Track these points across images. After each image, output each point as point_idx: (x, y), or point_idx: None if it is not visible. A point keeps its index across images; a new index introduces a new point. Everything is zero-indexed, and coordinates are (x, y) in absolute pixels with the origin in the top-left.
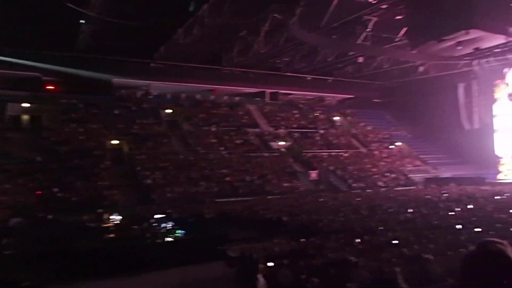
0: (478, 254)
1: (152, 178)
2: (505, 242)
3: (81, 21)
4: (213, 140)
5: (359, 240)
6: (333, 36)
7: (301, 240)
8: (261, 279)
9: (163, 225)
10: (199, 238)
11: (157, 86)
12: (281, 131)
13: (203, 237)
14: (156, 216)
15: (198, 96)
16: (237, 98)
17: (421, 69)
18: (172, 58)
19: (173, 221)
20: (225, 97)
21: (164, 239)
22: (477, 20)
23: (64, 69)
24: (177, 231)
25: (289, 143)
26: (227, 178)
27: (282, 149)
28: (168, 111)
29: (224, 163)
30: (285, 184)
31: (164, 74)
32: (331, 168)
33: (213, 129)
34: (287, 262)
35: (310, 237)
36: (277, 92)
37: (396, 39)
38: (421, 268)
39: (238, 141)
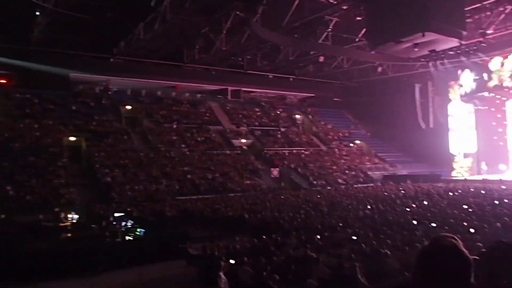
0: (431, 249)
1: (111, 176)
2: (456, 236)
3: (37, 12)
4: (174, 137)
5: (319, 237)
6: (295, 35)
7: (263, 237)
8: (222, 276)
9: (123, 223)
10: (160, 237)
11: (116, 82)
12: (243, 128)
13: (164, 236)
14: (115, 215)
15: (159, 93)
16: (199, 95)
17: (379, 69)
18: (132, 53)
19: (133, 220)
20: (187, 94)
21: (124, 238)
22: (432, 24)
23: (19, 63)
24: (137, 230)
25: (250, 141)
26: (189, 176)
27: (244, 147)
28: (128, 107)
29: (186, 160)
30: (247, 182)
31: (124, 69)
32: (292, 165)
33: (174, 126)
34: (249, 260)
35: (272, 234)
36: (239, 89)
37: (356, 40)
38: (379, 263)
39: (199, 139)
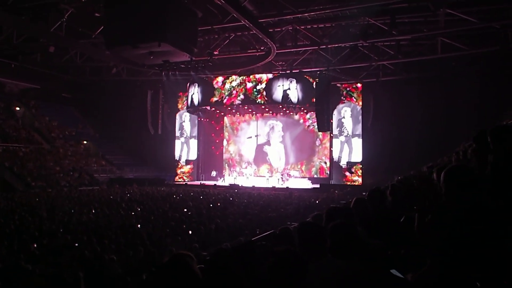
0: (168, 266)
1: None
2: (191, 254)
3: None
4: None
5: (35, 245)
6: (23, 17)
7: None
8: None
9: None
10: None
11: None
12: None
13: None
14: None
15: None
16: None
17: (114, 70)
18: None
19: None
20: None
21: None
22: (169, 36)
23: None
24: None
25: None
26: None
27: None
28: None
29: None
30: None
31: None
32: (7, 164)
33: None
34: None
35: None
36: None
37: (93, 36)
38: (103, 269)
39: None
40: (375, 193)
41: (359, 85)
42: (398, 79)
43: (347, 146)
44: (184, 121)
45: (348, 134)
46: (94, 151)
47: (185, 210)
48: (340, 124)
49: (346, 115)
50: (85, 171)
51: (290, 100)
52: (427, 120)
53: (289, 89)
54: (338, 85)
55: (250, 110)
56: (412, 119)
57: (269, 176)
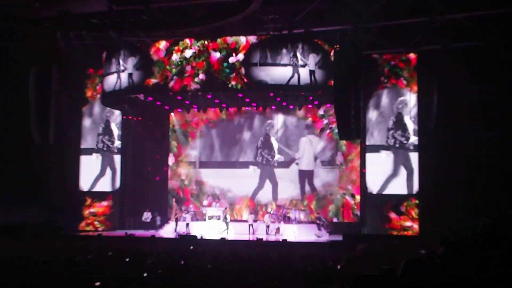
0: None
1: None
2: None
3: None
4: None
5: None
6: None
7: None
8: None
9: None
10: None
11: None
12: None
13: None
14: None
15: None
16: None
17: None
18: None
19: None
20: None
21: None
22: None
23: None
24: None
25: None
26: None
27: None
28: None
29: None
30: None
31: None
32: None
33: None
34: None
35: None
36: None
37: None
38: None
39: None
40: (446, 251)
41: (411, 55)
42: (481, 47)
43: (396, 165)
44: (110, 119)
45: (407, 144)
46: None
47: (97, 284)
48: (397, 127)
49: (405, 111)
50: None
51: (290, 83)
52: None
53: (287, 63)
54: (375, 56)
55: (217, 101)
56: (508, 116)
57: (253, 221)
